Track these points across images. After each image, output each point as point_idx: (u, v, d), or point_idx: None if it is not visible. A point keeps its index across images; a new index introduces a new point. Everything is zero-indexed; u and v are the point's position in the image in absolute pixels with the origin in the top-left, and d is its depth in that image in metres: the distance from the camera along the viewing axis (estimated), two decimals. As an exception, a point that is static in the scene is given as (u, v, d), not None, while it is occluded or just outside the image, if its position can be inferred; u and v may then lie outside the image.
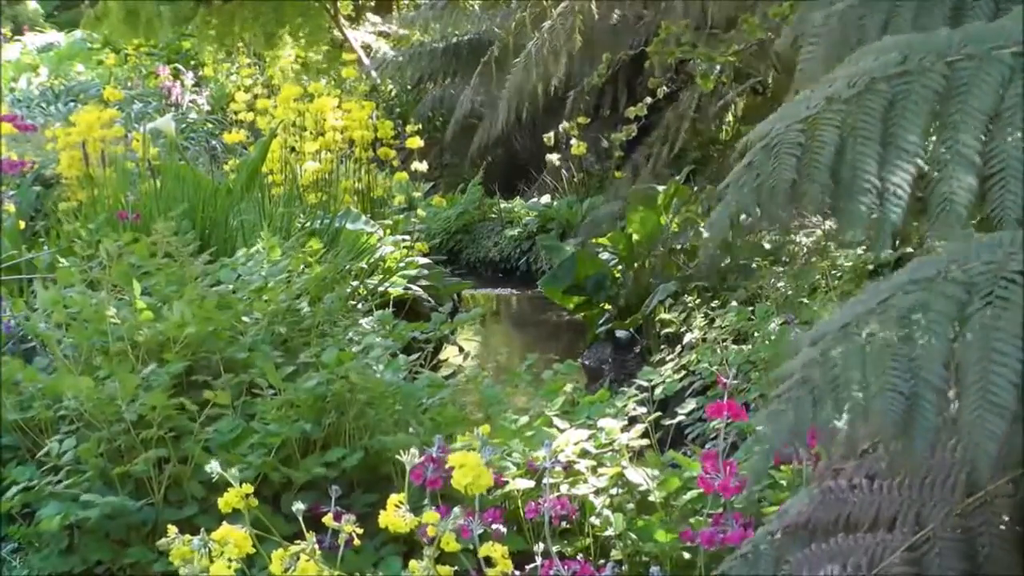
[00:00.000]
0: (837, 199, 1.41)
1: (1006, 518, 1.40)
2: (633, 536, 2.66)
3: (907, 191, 1.39)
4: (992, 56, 1.42)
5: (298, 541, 2.15)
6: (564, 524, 2.71)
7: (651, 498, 2.78)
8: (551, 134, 9.53)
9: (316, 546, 2.14)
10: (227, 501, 2.20)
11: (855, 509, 1.48)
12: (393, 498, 2.20)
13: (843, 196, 1.40)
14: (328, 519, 2.21)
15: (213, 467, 2.20)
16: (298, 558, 2.10)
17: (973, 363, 1.20)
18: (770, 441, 1.31)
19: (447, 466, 2.33)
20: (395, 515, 2.17)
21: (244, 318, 3.44)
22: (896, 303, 1.28)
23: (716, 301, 5.17)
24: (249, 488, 2.22)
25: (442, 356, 5.64)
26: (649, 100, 6.04)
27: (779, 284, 4.98)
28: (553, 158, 9.72)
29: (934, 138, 1.40)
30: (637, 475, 2.81)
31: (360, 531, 2.21)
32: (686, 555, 2.61)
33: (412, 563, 2.14)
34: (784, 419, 1.30)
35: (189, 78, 12.52)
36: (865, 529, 1.46)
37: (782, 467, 2.70)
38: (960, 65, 1.43)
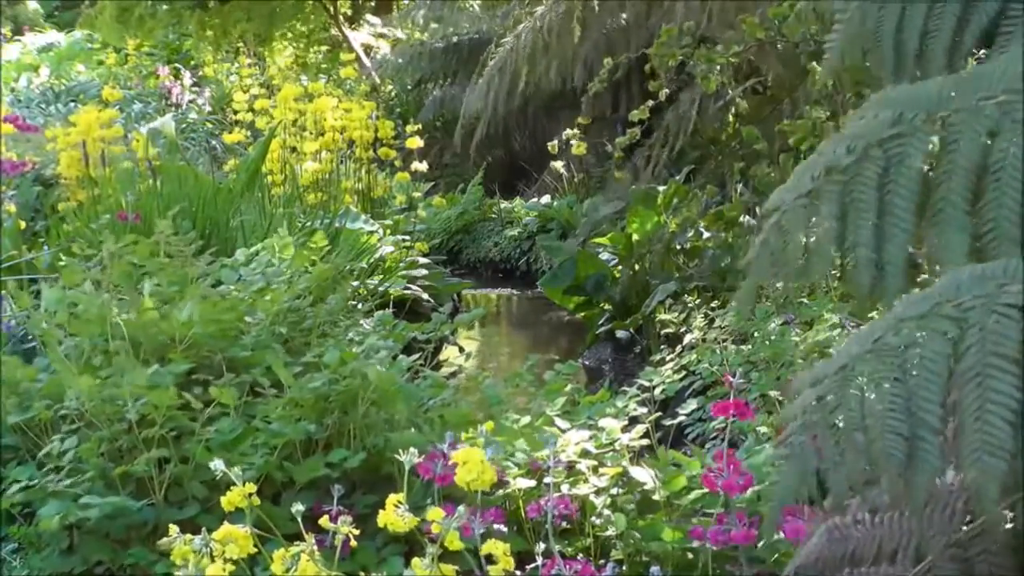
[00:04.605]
0: (842, 269, 1.45)
1: (1004, 545, 1.41)
2: (636, 535, 2.67)
3: (903, 261, 1.41)
4: (978, 108, 1.42)
5: (297, 542, 2.15)
6: (565, 524, 2.71)
7: (655, 497, 2.78)
8: (555, 142, 9.53)
9: (316, 546, 2.14)
10: (230, 500, 2.20)
11: (858, 544, 1.50)
12: (392, 498, 2.20)
13: (847, 267, 1.44)
14: (326, 520, 2.22)
15: (217, 465, 2.21)
16: (299, 558, 2.10)
17: (970, 403, 1.19)
18: (780, 493, 1.32)
19: (452, 462, 2.34)
20: (394, 514, 2.17)
21: (247, 318, 3.44)
22: (890, 342, 1.28)
23: (716, 301, 5.18)
24: (252, 487, 2.22)
25: (442, 356, 5.64)
26: (651, 103, 6.04)
27: (779, 284, 4.98)
28: (557, 165, 9.74)
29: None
30: (643, 473, 2.81)
31: (358, 532, 2.21)
32: (689, 555, 2.61)
33: (415, 560, 2.14)
34: (791, 468, 1.31)
35: (189, 78, 12.51)
36: (869, 563, 1.47)
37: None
38: (949, 120, 1.44)
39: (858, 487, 1.44)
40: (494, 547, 2.15)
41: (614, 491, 2.81)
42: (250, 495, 2.21)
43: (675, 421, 3.70)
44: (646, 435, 2.99)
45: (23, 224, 5.51)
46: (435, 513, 2.15)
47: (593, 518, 2.77)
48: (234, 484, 2.21)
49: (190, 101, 11.86)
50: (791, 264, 1.47)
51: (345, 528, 2.17)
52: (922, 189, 1.42)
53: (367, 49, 13.91)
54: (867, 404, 1.25)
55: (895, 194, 1.43)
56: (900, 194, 1.43)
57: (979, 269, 1.29)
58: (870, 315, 3.43)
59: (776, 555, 2.51)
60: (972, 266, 1.31)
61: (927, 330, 1.25)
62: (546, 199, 9.89)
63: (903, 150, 1.45)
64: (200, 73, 13.38)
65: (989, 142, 1.39)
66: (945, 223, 1.38)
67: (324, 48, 14.87)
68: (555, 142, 9.53)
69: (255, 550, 2.15)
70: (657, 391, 3.97)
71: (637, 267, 6.16)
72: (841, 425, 1.27)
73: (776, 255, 1.49)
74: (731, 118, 6.24)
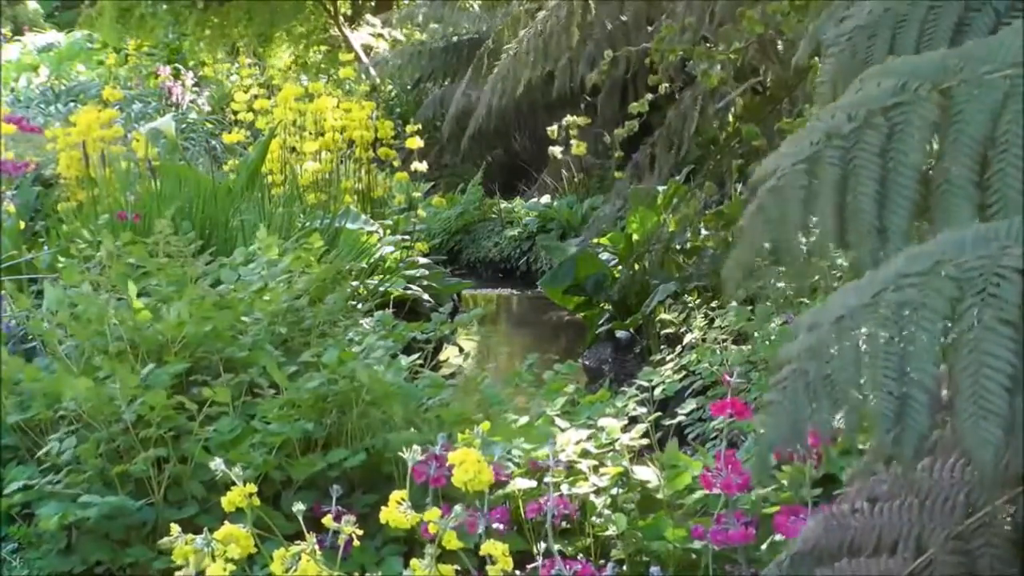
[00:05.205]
0: (844, 238, 1.43)
1: (1006, 539, 1.40)
2: (638, 535, 2.66)
3: (906, 228, 1.39)
4: (985, 80, 1.41)
5: (297, 541, 2.15)
6: (565, 524, 2.70)
7: (658, 496, 2.78)
8: (555, 127, 9.52)
9: (316, 546, 2.14)
10: (230, 500, 2.19)
11: (857, 534, 1.48)
12: (395, 495, 2.20)
13: (849, 237, 1.42)
14: (328, 520, 2.21)
15: (217, 464, 2.20)
16: (299, 558, 2.10)
17: (965, 367, 1.18)
18: (770, 436, 1.30)
19: (448, 464, 2.33)
20: (397, 512, 2.17)
21: (244, 318, 3.44)
22: (889, 299, 1.27)
23: (716, 301, 5.17)
24: (252, 487, 2.21)
25: (442, 356, 5.64)
26: (650, 96, 6.02)
27: (779, 284, 4.98)
28: (556, 151, 9.71)
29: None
30: (647, 471, 2.81)
31: (360, 531, 2.21)
32: (691, 556, 2.61)
33: (414, 561, 2.14)
34: (782, 413, 1.29)
35: (189, 78, 12.51)
36: (868, 554, 1.45)
37: (783, 467, 2.70)
38: (955, 91, 1.42)
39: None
40: (492, 548, 2.15)
41: (614, 491, 2.81)
42: (250, 495, 2.21)
43: (674, 421, 3.70)
44: (646, 435, 2.99)
45: (23, 224, 5.51)
46: (433, 513, 2.14)
47: (593, 518, 2.77)
48: (233, 484, 2.20)
49: (190, 101, 11.86)
50: (791, 232, 1.44)
51: (348, 528, 2.17)
52: (926, 160, 1.41)
53: (367, 49, 13.91)
54: (863, 360, 1.24)
55: (899, 161, 1.41)
56: (904, 161, 1.41)
57: (983, 229, 1.27)
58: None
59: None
60: (976, 225, 1.30)
61: (927, 288, 1.24)
62: (546, 199, 9.88)
63: (906, 118, 1.43)
64: (200, 73, 13.37)
65: (996, 113, 1.38)
66: (951, 193, 1.36)
67: (324, 48, 14.86)
68: (554, 127, 9.52)
69: (255, 550, 2.15)
70: (657, 391, 3.97)
71: (637, 267, 6.16)
72: (836, 379, 1.26)
73: (772, 222, 1.46)
74: (731, 118, 6.22)
